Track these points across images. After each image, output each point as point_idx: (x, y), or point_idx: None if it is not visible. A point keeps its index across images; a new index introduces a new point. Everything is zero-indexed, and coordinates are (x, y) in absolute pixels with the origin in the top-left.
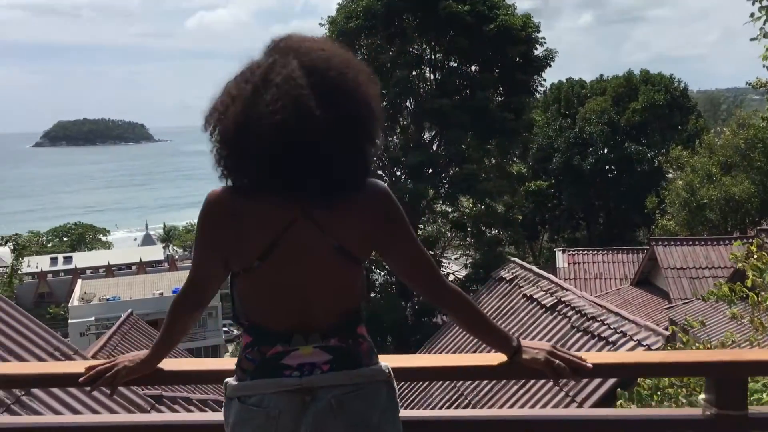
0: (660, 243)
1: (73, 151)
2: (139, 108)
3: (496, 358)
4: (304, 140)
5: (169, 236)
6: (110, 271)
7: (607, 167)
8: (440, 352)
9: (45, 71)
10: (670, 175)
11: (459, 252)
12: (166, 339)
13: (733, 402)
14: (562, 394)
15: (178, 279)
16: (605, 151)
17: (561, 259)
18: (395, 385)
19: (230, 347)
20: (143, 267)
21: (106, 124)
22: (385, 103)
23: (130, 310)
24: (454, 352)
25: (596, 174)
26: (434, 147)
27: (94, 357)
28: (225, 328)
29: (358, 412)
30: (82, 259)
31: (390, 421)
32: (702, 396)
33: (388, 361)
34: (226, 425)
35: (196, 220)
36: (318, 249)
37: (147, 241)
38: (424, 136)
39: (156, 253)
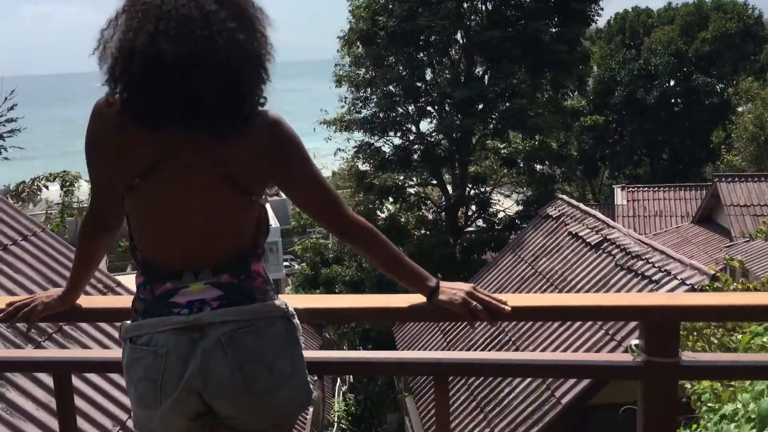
0: (724, 179)
1: None
2: None
3: (415, 298)
4: (186, 65)
5: None
6: None
7: (673, 101)
8: (484, 288)
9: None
10: (740, 109)
11: (511, 189)
12: (80, 270)
13: (664, 349)
14: (602, 332)
15: None
16: (671, 83)
17: (619, 196)
18: (296, 321)
19: (291, 281)
20: None
21: None
22: (433, 37)
23: None
24: (497, 289)
25: (660, 108)
26: (485, 81)
27: None
28: (286, 263)
29: (248, 347)
30: None
31: (285, 356)
32: (635, 341)
33: (305, 302)
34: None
35: None
36: (204, 174)
37: None
38: (475, 71)
39: None
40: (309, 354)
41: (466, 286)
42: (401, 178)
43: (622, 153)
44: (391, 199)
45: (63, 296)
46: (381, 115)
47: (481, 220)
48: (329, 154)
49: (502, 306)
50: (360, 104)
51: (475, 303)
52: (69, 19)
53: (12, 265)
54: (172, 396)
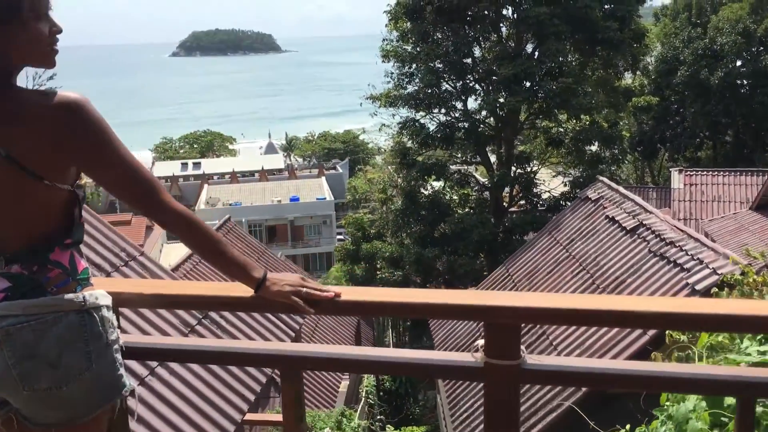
0: None
1: (206, 61)
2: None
3: (244, 289)
4: None
5: (290, 146)
6: (235, 177)
7: (739, 82)
8: (517, 271)
9: None
10: None
11: (558, 169)
12: None
13: (503, 350)
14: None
15: (296, 187)
16: (737, 64)
17: (676, 179)
18: (102, 314)
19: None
20: (265, 175)
21: (237, 34)
22: (482, 12)
23: (227, 216)
24: (529, 272)
25: (725, 89)
26: (532, 59)
27: (189, 259)
28: (340, 236)
29: (26, 343)
30: (210, 165)
31: (78, 351)
32: (480, 342)
33: (119, 288)
34: None
35: (316, 131)
36: None
37: (270, 150)
38: (525, 48)
39: (277, 161)
40: (140, 340)
41: (295, 278)
42: (444, 155)
43: (683, 135)
44: (433, 177)
45: None
46: (426, 91)
47: (524, 201)
48: (376, 129)
49: (328, 298)
50: (405, 80)
51: (296, 297)
52: None
53: None
54: None
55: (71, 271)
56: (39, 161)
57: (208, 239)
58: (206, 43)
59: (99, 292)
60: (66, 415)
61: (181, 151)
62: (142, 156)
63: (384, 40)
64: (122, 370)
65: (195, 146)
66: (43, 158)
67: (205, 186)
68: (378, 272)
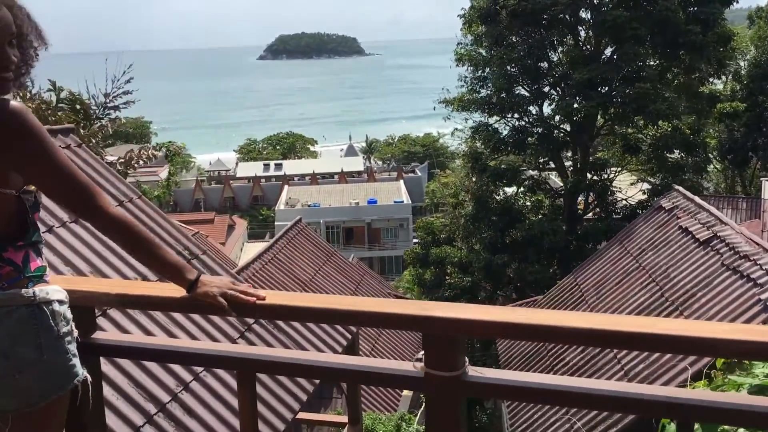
0: None
1: (292, 64)
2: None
3: (176, 290)
4: None
5: (370, 148)
6: (315, 179)
7: None
8: (585, 281)
9: None
10: None
11: (637, 176)
12: None
13: (443, 361)
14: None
15: (375, 189)
16: None
17: (767, 189)
18: (53, 308)
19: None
20: (344, 177)
21: (322, 38)
22: (558, 15)
23: (298, 217)
24: (596, 282)
25: None
26: (608, 63)
27: (258, 258)
28: (416, 240)
29: None
30: (291, 166)
31: (28, 344)
32: (422, 352)
33: (66, 284)
34: None
35: (396, 134)
36: None
37: (350, 152)
38: (604, 51)
39: (357, 164)
40: (114, 338)
41: (225, 281)
42: (517, 160)
43: None
44: (505, 182)
45: None
46: (499, 95)
47: (599, 209)
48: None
49: (251, 302)
50: (478, 84)
51: (224, 297)
52: None
53: None
54: None
55: (23, 268)
56: None
57: (141, 242)
58: (292, 47)
59: (51, 288)
60: (21, 402)
61: (264, 152)
62: (227, 157)
63: (458, 43)
64: (75, 361)
65: (277, 148)
66: None
67: (286, 187)
68: (447, 277)
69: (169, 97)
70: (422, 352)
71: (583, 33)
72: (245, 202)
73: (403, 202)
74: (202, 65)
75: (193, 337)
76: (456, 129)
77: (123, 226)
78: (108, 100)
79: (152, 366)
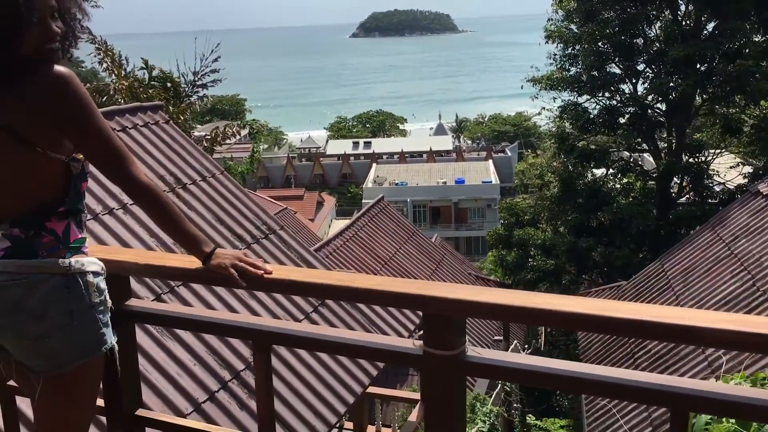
0: None
1: (385, 42)
2: None
3: (192, 261)
4: None
5: (460, 127)
6: (403, 157)
7: None
8: (672, 267)
9: None
10: None
11: (738, 160)
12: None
13: (441, 341)
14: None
15: (463, 169)
16: None
17: None
18: (87, 279)
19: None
20: (432, 156)
21: (415, 14)
22: None
23: (381, 195)
24: (685, 269)
25: None
26: (709, 39)
27: (339, 235)
28: (502, 220)
29: (14, 297)
30: (380, 144)
31: (60, 310)
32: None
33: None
34: None
35: (487, 113)
36: None
37: (439, 131)
38: (705, 27)
39: (446, 143)
40: (145, 305)
41: (237, 253)
42: (607, 141)
43: None
44: (593, 164)
45: None
46: (590, 73)
47: (694, 193)
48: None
49: (258, 273)
50: (568, 62)
51: (235, 269)
52: None
53: (187, 202)
54: None
55: (63, 239)
56: (30, 129)
57: (165, 212)
58: (385, 24)
59: (87, 260)
60: (50, 364)
61: (354, 130)
62: (318, 134)
63: (549, 20)
64: (105, 330)
65: (367, 126)
66: (33, 125)
67: (374, 165)
68: (530, 260)
69: (264, 76)
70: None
71: (683, 7)
72: (334, 180)
73: (491, 182)
74: (295, 43)
75: (274, 315)
76: (543, 108)
77: (150, 195)
78: (197, 79)
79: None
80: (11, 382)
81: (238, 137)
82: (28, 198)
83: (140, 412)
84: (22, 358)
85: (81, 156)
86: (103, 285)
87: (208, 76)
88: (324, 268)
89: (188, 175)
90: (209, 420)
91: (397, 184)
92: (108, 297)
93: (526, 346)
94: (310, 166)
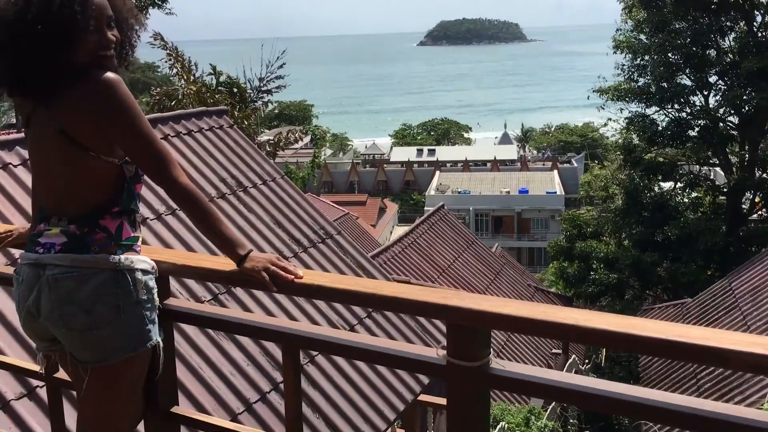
0: None
1: (452, 50)
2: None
3: (227, 263)
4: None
5: (525, 137)
6: (467, 166)
7: None
8: (740, 286)
9: None
10: None
11: None
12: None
13: (466, 352)
14: None
15: (527, 179)
16: None
17: None
18: (136, 276)
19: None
20: (497, 165)
21: (483, 23)
22: None
23: (440, 203)
24: (755, 286)
25: None
26: None
27: (398, 242)
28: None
29: (66, 289)
30: (444, 152)
31: (107, 304)
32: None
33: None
34: None
35: (554, 123)
36: (47, 128)
37: (504, 140)
38: None
39: (510, 152)
40: (181, 304)
41: (271, 257)
42: (675, 154)
43: None
44: (660, 177)
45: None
46: (659, 84)
47: (767, 209)
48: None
49: (288, 278)
50: (636, 72)
51: (267, 272)
52: None
53: (247, 205)
54: (22, 316)
55: (115, 236)
56: (82, 133)
57: (204, 214)
58: (453, 32)
59: (137, 258)
60: (96, 356)
61: (419, 137)
62: (383, 141)
63: (617, 30)
64: (151, 327)
65: (432, 133)
66: (84, 130)
67: (437, 173)
68: (592, 273)
69: (331, 82)
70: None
71: (758, 18)
72: (397, 186)
73: (555, 193)
74: (363, 51)
75: (332, 324)
76: (609, 119)
77: (189, 197)
78: (262, 85)
79: None
80: (60, 374)
81: (302, 142)
82: (85, 198)
83: (175, 409)
84: (71, 349)
85: None
86: (152, 283)
87: (273, 82)
88: (380, 274)
89: (249, 179)
90: (260, 421)
91: (459, 193)
92: (156, 296)
93: (587, 361)
94: (373, 172)
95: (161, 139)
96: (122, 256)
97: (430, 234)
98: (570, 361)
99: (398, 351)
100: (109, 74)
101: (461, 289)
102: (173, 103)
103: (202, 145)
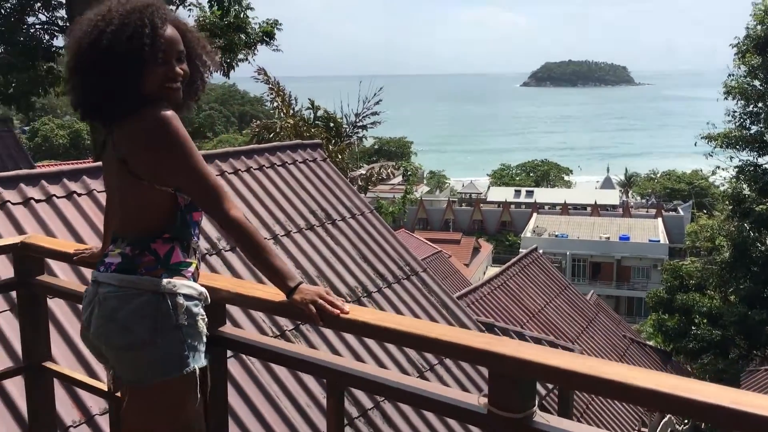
0: None
1: (556, 92)
2: (623, 50)
3: (278, 294)
4: (74, 72)
5: (629, 182)
6: (565, 209)
7: None
8: None
9: (537, 13)
10: None
11: None
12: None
13: (506, 401)
14: None
15: (629, 225)
16: None
17: None
18: (176, 300)
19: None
20: (597, 210)
21: (589, 66)
22: None
23: (533, 246)
24: None
25: None
26: None
27: (487, 283)
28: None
29: (111, 307)
30: (542, 194)
31: (145, 325)
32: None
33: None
34: None
35: (660, 169)
36: (113, 159)
37: (606, 184)
38: None
39: (612, 197)
40: (236, 332)
41: (320, 290)
42: None
43: None
44: None
45: (99, 250)
46: None
47: None
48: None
49: (335, 313)
50: (749, 119)
51: (314, 305)
52: (501, 24)
53: (334, 238)
54: (83, 329)
55: (163, 260)
56: (137, 163)
57: (255, 246)
58: (557, 74)
59: (181, 282)
60: (133, 376)
61: (517, 178)
62: (480, 181)
63: (729, 75)
64: (189, 353)
65: (531, 175)
66: (139, 161)
67: (535, 215)
68: (693, 327)
69: (431, 120)
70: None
71: None
72: (493, 227)
73: (659, 241)
74: (465, 90)
75: (402, 369)
76: (718, 167)
77: (240, 229)
78: (358, 120)
79: None
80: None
81: (399, 178)
82: (140, 222)
83: None
84: (114, 366)
85: None
86: (195, 309)
87: (369, 117)
88: (464, 314)
89: (338, 212)
90: None
91: (557, 236)
92: (201, 322)
93: (685, 420)
94: (469, 211)
95: (255, 169)
96: (165, 280)
97: (521, 276)
98: (665, 420)
99: (438, 395)
100: (164, 110)
101: (551, 335)
102: (271, 135)
103: (294, 176)
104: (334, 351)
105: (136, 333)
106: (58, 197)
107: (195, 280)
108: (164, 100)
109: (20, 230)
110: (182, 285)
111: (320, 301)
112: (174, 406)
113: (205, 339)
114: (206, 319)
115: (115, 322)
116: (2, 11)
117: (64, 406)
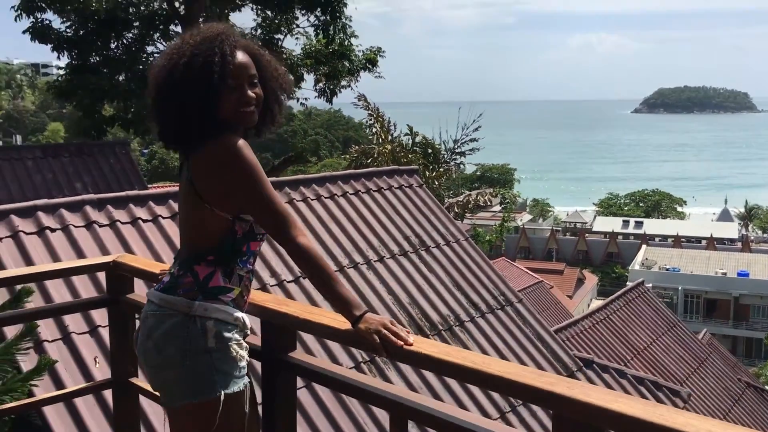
0: None
1: (670, 119)
2: (744, 75)
3: (344, 321)
4: (154, 104)
5: (749, 215)
6: (678, 241)
7: None
8: None
9: (650, 39)
10: None
11: None
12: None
13: None
14: None
15: (748, 261)
16: None
17: None
18: (205, 323)
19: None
20: (713, 243)
21: (707, 92)
22: None
23: (640, 279)
24: None
25: None
26: None
27: (589, 316)
28: None
29: (149, 326)
30: (652, 225)
31: (174, 346)
32: None
33: (258, 299)
34: None
35: None
36: (184, 177)
37: (724, 217)
38: None
39: (730, 230)
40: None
41: (384, 320)
42: None
43: None
44: None
45: None
46: None
47: None
48: None
49: (398, 344)
50: None
51: (378, 335)
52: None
53: (428, 264)
54: (134, 345)
55: (201, 283)
56: (205, 188)
57: (321, 273)
58: (672, 100)
59: (214, 307)
60: (165, 396)
61: (626, 208)
62: (585, 210)
63: None
64: (219, 378)
65: (640, 205)
66: (207, 186)
67: (644, 246)
68: None
69: (537, 147)
70: None
71: None
72: (598, 258)
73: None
74: (573, 117)
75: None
76: None
77: (307, 256)
78: (456, 147)
79: None
80: None
81: (499, 206)
82: (192, 243)
83: None
84: (151, 384)
85: (250, 217)
86: (228, 334)
87: (468, 144)
88: (561, 348)
89: (433, 239)
90: None
91: (668, 270)
92: (235, 348)
93: None
94: (574, 240)
95: (351, 194)
96: (198, 303)
97: (625, 311)
98: None
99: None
100: (234, 139)
101: (657, 375)
102: (369, 160)
103: (390, 202)
104: (411, 388)
105: (168, 353)
106: (143, 221)
107: (238, 307)
108: (240, 123)
109: (104, 251)
110: (215, 309)
111: (384, 331)
112: (203, 430)
113: (242, 365)
114: (243, 345)
115: (151, 341)
116: (124, 41)
117: (146, 424)
